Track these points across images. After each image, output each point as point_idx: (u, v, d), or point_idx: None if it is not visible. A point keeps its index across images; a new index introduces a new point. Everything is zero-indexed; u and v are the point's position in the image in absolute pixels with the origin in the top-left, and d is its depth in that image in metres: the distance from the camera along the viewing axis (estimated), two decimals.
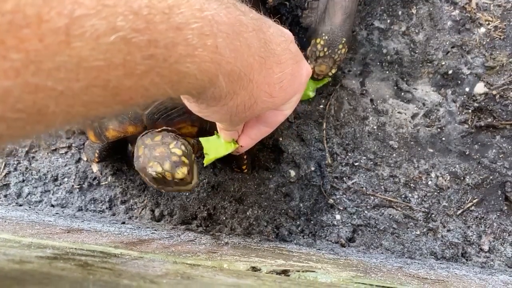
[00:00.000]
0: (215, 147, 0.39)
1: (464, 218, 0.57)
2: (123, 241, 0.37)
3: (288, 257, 0.41)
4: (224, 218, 0.59)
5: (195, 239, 0.48)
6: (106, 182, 0.62)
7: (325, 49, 0.49)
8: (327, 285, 0.25)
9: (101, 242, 0.36)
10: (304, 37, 0.56)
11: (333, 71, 0.53)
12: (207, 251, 0.40)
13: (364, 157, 0.59)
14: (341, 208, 0.59)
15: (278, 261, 0.37)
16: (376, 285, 0.28)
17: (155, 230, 0.54)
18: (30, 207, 0.62)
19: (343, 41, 0.50)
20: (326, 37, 0.49)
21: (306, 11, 0.54)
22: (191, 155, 0.42)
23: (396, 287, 0.30)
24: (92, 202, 0.61)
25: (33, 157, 0.64)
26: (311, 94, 0.57)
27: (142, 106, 0.43)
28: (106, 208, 0.61)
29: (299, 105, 0.59)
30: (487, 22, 0.60)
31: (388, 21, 0.61)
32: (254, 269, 0.29)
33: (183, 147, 0.40)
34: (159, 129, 0.42)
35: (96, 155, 0.54)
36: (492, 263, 0.55)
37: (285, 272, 0.28)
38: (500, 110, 0.58)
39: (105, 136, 0.46)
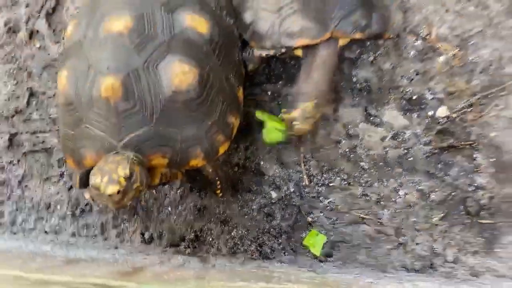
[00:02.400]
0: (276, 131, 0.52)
1: (430, 232, 0.62)
2: (120, 270, 0.41)
3: (270, 278, 0.45)
4: (210, 239, 0.63)
5: (184, 263, 0.52)
6: (98, 208, 0.65)
7: (314, 111, 0.55)
8: None
9: (99, 273, 0.40)
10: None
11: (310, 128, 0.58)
12: (197, 276, 0.44)
13: (338, 178, 0.64)
14: (319, 226, 0.63)
15: (260, 283, 0.41)
16: None
17: (146, 254, 0.58)
18: (24, 235, 0.65)
19: (325, 101, 0.56)
20: (316, 101, 0.55)
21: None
22: (134, 182, 0.44)
23: None
24: (85, 227, 0.65)
25: (26, 186, 0.67)
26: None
27: (117, 137, 0.46)
28: (99, 233, 0.64)
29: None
30: (446, 51, 0.65)
31: (357, 51, 0.66)
32: None
33: (128, 172, 0.42)
34: (131, 155, 0.45)
35: (77, 180, 0.56)
36: (456, 272, 0.60)
37: None
38: (459, 131, 0.63)
39: (82, 164, 0.50)
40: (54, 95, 0.71)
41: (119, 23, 0.46)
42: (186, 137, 0.47)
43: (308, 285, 0.42)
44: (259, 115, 0.60)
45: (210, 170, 0.53)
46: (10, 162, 0.69)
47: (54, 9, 0.74)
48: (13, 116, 0.70)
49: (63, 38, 0.54)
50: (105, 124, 0.45)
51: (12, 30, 0.74)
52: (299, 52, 0.57)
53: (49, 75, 0.72)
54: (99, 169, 0.42)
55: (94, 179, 0.42)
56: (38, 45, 0.73)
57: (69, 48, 0.50)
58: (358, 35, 0.54)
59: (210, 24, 0.51)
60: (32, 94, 0.71)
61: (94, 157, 0.47)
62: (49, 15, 0.75)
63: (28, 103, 0.71)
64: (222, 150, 0.52)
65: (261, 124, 0.66)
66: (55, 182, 0.66)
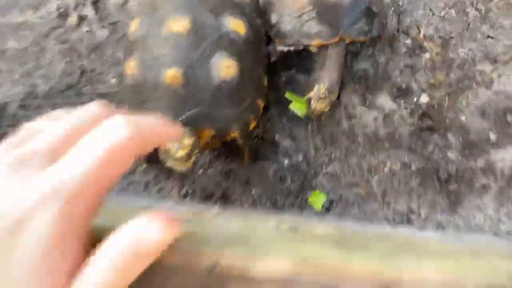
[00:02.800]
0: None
1: (409, 194, 0.78)
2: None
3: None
4: (234, 197, 0.78)
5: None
6: (142, 169, 0.79)
7: (326, 93, 0.68)
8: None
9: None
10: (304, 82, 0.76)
11: (327, 108, 0.72)
12: None
13: (338, 151, 0.79)
14: (321, 187, 0.79)
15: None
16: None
17: (183, 206, 0.73)
18: None
19: (336, 87, 0.70)
20: (328, 85, 0.68)
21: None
22: (194, 149, 0.58)
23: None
24: (131, 184, 0.79)
25: None
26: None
27: (176, 115, 0.59)
28: (142, 189, 0.79)
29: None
30: (431, 49, 0.80)
31: (359, 46, 0.80)
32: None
33: (191, 142, 0.56)
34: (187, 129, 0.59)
35: None
36: (427, 225, 0.77)
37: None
38: (437, 116, 0.79)
39: None
40: (101, 73, 0.83)
41: (179, 24, 0.59)
42: (227, 116, 0.61)
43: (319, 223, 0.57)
44: (288, 95, 0.74)
45: (242, 141, 0.67)
46: None
47: None
48: (67, 89, 0.83)
49: (127, 33, 0.65)
50: (166, 105, 0.59)
51: (62, 15, 0.86)
52: (313, 49, 0.71)
53: (96, 56, 0.84)
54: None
55: (166, 145, 0.56)
56: (86, 29, 0.85)
57: (134, 42, 0.62)
58: (361, 39, 0.68)
59: (246, 26, 0.64)
60: (82, 71, 0.83)
61: None
62: (94, 3, 0.87)
63: (78, 79, 0.83)
64: (251, 126, 0.66)
65: (277, 105, 0.80)
66: None
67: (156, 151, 0.75)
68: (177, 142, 0.55)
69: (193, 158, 0.58)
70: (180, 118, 0.58)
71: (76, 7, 0.85)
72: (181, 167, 0.57)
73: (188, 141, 0.56)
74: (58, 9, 0.85)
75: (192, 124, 0.59)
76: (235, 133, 0.63)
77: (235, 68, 0.60)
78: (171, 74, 0.57)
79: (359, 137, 0.79)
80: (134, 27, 0.63)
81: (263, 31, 0.70)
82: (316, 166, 0.79)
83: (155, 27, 0.60)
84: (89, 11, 0.84)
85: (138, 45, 0.61)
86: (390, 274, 0.36)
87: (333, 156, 0.79)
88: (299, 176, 0.79)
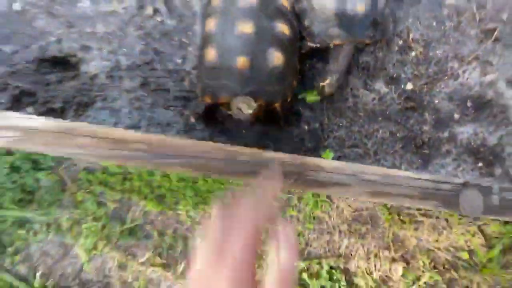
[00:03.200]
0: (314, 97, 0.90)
1: (394, 155, 1.08)
2: None
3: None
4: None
5: None
6: (200, 128, 1.07)
7: (335, 79, 0.96)
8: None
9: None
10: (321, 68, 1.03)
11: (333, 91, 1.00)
12: None
13: (344, 121, 1.08)
14: (331, 147, 1.08)
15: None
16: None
17: None
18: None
19: (342, 77, 0.98)
20: (338, 75, 0.96)
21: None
22: (256, 110, 0.86)
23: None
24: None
25: (153, 111, 1.07)
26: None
27: (241, 89, 0.87)
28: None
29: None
30: (416, 49, 1.08)
31: (364, 45, 1.08)
32: None
33: (255, 104, 0.84)
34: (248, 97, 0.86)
35: (203, 110, 0.98)
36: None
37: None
38: (418, 98, 1.08)
39: (217, 100, 0.90)
40: (170, 54, 1.09)
41: (246, 26, 0.86)
42: (275, 91, 0.89)
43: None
44: (302, 94, 1.01)
45: (280, 110, 0.96)
46: (142, 96, 1.09)
47: None
48: (143, 65, 1.09)
49: (203, 29, 0.92)
50: (236, 81, 0.86)
51: (141, 7, 1.11)
52: (332, 45, 0.98)
53: (166, 40, 1.10)
54: (238, 101, 0.84)
55: (240, 105, 0.83)
56: (158, 19, 1.11)
57: (210, 35, 0.89)
58: (367, 41, 0.96)
59: (289, 28, 0.91)
60: (155, 52, 1.10)
61: (225, 98, 0.88)
62: None
63: (152, 58, 1.10)
64: (288, 99, 0.94)
65: (302, 85, 1.08)
66: (172, 109, 1.07)
67: (212, 113, 1.03)
68: (245, 103, 0.83)
69: (254, 117, 0.86)
70: (244, 91, 0.86)
71: (151, 1, 1.10)
72: (245, 119, 0.85)
73: (254, 104, 0.83)
74: (137, 2, 1.10)
75: (252, 95, 0.87)
76: (278, 104, 0.91)
77: (282, 59, 0.88)
78: (241, 60, 0.85)
79: (360, 112, 1.08)
80: (211, 24, 0.90)
81: (298, 31, 0.98)
82: (327, 131, 1.08)
83: (228, 26, 0.87)
84: (161, 5, 1.10)
85: (214, 38, 0.88)
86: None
87: (340, 124, 1.08)
88: (316, 138, 1.08)
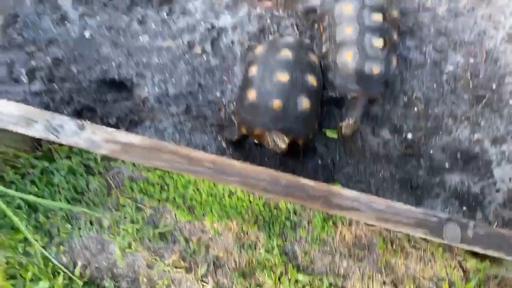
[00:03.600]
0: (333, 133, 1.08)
1: (391, 193, 1.27)
2: None
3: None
4: None
5: None
6: (229, 153, 1.25)
7: (355, 124, 1.16)
8: None
9: None
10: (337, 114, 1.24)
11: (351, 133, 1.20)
12: None
13: (353, 159, 1.27)
14: (339, 181, 1.26)
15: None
16: None
17: None
18: None
19: (359, 122, 1.17)
20: (355, 119, 1.16)
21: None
22: (283, 140, 1.05)
23: None
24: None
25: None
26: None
27: (275, 125, 1.06)
28: None
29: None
30: (418, 106, 1.29)
31: (375, 98, 1.28)
32: None
33: (287, 140, 1.03)
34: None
35: (236, 138, 1.17)
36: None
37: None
38: (415, 147, 1.28)
39: (251, 132, 1.09)
40: (211, 88, 1.29)
41: (284, 76, 1.06)
42: (301, 130, 1.08)
43: None
44: (324, 131, 1.21)
45: (301, 145, 1.15)
46: (184, 120, 1.28)
47: (216, 39, 1.32)
48: (188, 95, 1.29)
49: (246, 71, 1.12)
50: (270, 119, 1.05)
51: (191, 46, 1.31)
52: (349, 97, 1.19)
53: (209, 76, 1.30)
54: (273, 136, 1.03)
55: (275, 139, 1.02)
56: (204, 58, 1.31)
57: (253, 78, 1.09)
58: (379, 96, 1.17)
59: (316, 80, 1.11)
60: (199, 85, 1.29)
61: (259, 131, 1.07)
62: (212, 42, 1.33)
63: (196, 89, 1.29)
64: (310, 137, 1.14)
65: (321, 125, 1.28)
66: (208, 134, 1.25)
67: (241, 141, 1.21)
68: (281, 139, 1.02)
69: (283, 148, 1.05)
70: (276, 127, 1.05)
71: (200, 42, 1.31)
72: (280, 151, 1.04)
73: (287, 140, 1.03)
74: (188, 41, 1.31)
75: (282, 131, 1.06)
76: (301, 140, 1.10)
77: (309, 105, 1.07)
78: (277, 102, 1.04)
79: (367, 153, 1.27)
80: (254, 70, 1.10)
81: (322, 81, 1.18)
82: (338, 167, 1.27)
83: (268, 74, 1.07)
84: (208, 46, 1.30)
85: (256, 82, 1.08)
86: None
87: (349, 162, 1.27)
88: (327, 171, 1.27)
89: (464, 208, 1.23)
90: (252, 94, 1.07)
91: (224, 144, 1.26)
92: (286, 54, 1.09)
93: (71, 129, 0.73)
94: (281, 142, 1.01)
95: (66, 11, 1.27)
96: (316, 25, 1.29)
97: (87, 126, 0.74)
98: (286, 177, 0.81)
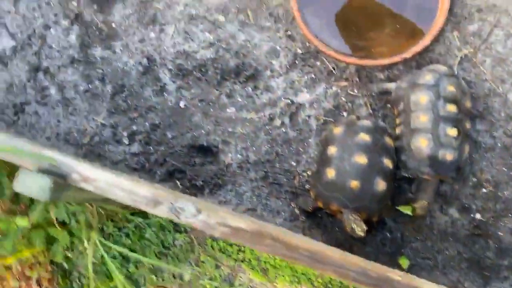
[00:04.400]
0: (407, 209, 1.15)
1: (459, 271, 1.30)
2: None
3: None
4: (355, 249, 1.32)
5: None
6: (302, 219, 1.35)
7: (428, 205, 1.23)
8: None
9: None
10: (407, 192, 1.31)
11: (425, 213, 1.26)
12: None
13: (421, 235, 1.32)
14: (406, 255, 1.32)
15: None
16: None
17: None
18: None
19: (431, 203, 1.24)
20: (426, 202, 1.23)
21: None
22: (362, 229, 1.13)
23: None
24: (293, 227, 1.34)
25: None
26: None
27: (351, 204, 1.15)
28: (301, 232, 1.34)
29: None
30: (487, 187, 1.33)
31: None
32: None
33: (365, 227, 1.11)
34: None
35: (311, 208, 1.27)
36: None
37: None
38: (484, 228, 1.31)
39: (328, 207, 1.19)
40: (287, 157, 1.41)
41: (361, 158, 1.16)
42: (375, 209, 1.17)
43: None
44: (399, 207, 1.29)
45: (375, 222, 1.22)
46: (262, 186, 1.40)
47: (294, 113, 1.45)
48: (265, 162, 1.41)
49: (326, 151, 1.23)
50: (347, 197, 1.15)
51: (271, 118, 1.45)
52: (420, 177, 1.26)
53: (286, 146, 1.42)
54: (349, 219, 1.12)
55: (353, 225, 1.11)
56: (283, 130, 1.44)
57: (332, 158, 1.20)
58: (450, 180, 1.23)
59: (392, 162, 1.20)
60: (277, 154, 1.42)
61: (335, 207, 1.17)
62: (291, 117, 1.46)
63: (274, 158, 1.42)
64: (383, 215, 1.21)
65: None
66: (282, 200, 1.36)
67: (313, 212, 1.31)
68: (359, 228, 1.10)
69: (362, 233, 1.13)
70: (353, 206, 1.14)
71: (279, 115, 1.44)
72: (359, 237, 1.12)
73: (364, 227, 1.11)
74: (269, 114, 1.45)
75: (357, 210, 1.14)
76: (374, 219, 1.18)
77: (385, 186, 1.16)
78: (354, 183, 1.14)
79: (435, 230, 1.32)
80: (332, 150, 1.21)
81: (395, 162, 1.27)
82: (406, 241, 1.32)
83: (347, 155, 1.17)
84: (287, 119, 1.43)
85: (335, 162, 1.19)
86: None
87: (417, 238, 1.32)
88: (395, 245, 1.32)
89: None
90: (331, 173, 1.18)
91: (297, 211, 1.36)
92: (364, 138, 1.19)
93: (190, 212, 0.86)
94: (360, 231, 1.09)
95: (166, 83, 1.45)
96: (388, 105, 1.39)
97: (203, 209, 0.86)
98: (375, 269, 0.89)
